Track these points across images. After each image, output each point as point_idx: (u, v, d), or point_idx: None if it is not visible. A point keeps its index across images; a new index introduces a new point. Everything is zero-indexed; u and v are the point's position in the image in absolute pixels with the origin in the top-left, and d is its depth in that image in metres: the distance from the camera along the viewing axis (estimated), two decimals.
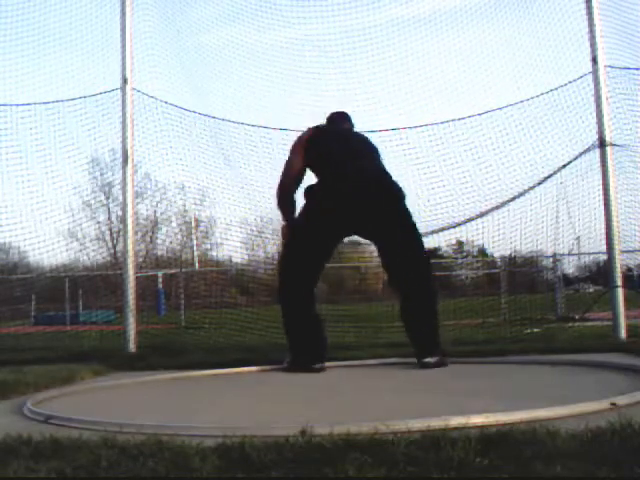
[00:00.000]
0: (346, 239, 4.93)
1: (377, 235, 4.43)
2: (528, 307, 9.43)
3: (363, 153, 4.48)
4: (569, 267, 13.47)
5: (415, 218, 4.42)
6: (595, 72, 5.66)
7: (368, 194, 4.23)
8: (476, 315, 8.62)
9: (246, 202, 6.57)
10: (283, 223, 4.53)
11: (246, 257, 8.60)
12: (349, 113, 4.87)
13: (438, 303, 4.42)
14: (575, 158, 5.88)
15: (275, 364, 4.41)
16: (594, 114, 5.70)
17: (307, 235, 4.34)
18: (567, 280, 13.69)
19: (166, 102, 6.26)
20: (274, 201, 4.58)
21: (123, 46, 5.90)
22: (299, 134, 4.67)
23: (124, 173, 5.83)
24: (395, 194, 4.36)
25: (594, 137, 5.67)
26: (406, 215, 4.38)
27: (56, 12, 6.20)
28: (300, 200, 4.46)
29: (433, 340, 4.25)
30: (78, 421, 2.53)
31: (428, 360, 4.14)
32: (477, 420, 2.19)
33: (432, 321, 4.29)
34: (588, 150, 5.74)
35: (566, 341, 5.44)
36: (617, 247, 5.55)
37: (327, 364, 4.41)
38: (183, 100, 6.35)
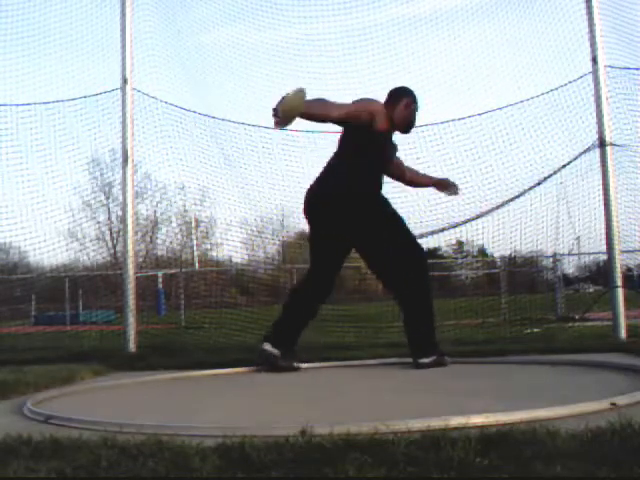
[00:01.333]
0: None
1: (359, 244, 4.37)
2: (528, 307, 9.44)
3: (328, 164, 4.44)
4: (569, 267, 13.49)
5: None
6: (595, 72, 5.66)
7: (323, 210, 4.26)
8: (476, 315, 8.62)
9: (246, 202, 6.58)
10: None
11: (246, 257, 8.60)
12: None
13: (432, 302, 4.33)
14: (575, 158, 5.88)
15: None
16: (594, 114, 5.70)
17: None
18: (567, 280, 13.70)
19: (166, 102, 6.26)
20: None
21: (123, 46, 5.90)
22: None
23: (124, 173, 5.83)
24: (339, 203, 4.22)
25: (594, 137, 5.67)
26: (375, 217, 4.27)
27: (56, 12, 6.21)
28: None
29: (428, 341, 4.24)
30: (78, 421, 2.53)
31: (423, 361, 4.14)
32: (477, 420, 2.19)
33: (427, 322, 4.25)
34: (588, 150, 5.74)
35: (566, 341, 5.44)
36: (617, 247, 5.55)
37: (328, 364, 4.47)
38: (183, 100, 6.36)
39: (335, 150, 4.40)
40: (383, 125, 4.25)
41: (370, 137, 4.21)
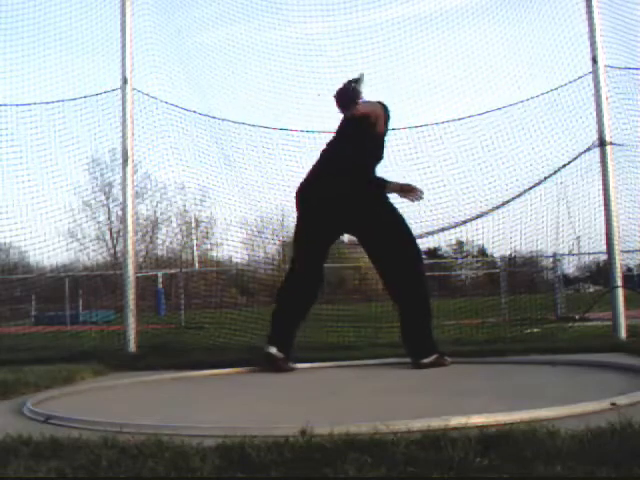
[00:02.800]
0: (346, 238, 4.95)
1: (359, 237, 4.46)
2: (528, 307, 9.42)
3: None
4: (569, 267, 13.48)
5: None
6: (595, 72, 5.66)
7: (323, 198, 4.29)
8: (476, 315, 8.61)
9: (246, 202, 6.58)
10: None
11: (246, 257, 8.60)
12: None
13: (429, 303, 4.33)
14: (575, 158, 5.87)
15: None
16: (594, 114, 5.69)
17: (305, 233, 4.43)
18: (567, 280, 13.70)
19: (166, 102, 6.26)
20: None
21: (123, 46, 5.90)
22: None
23: (124, 173, 5.83)
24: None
25: (594, 137, 5.67)
26: (377, 210, 4.34)
27: (56, 12, 6.20)
28: None
29: (428, 341, 4.24)
30: (78, 421, 2.53)
31: (424, 361, 4.14)
32: (477, 420, 2.19)
33: (426, 322, 4.26)
34: (588, 150, 5.74)
35: (566, 341, 5.44)
36: (617, 247, 5.55)
37: (328, 364, 4.47)
38: (183, 100, 6.36)
39: (333, 140, 4.50)
40: (381, 128, 4.46)
41: (373, 136, 4.42)
